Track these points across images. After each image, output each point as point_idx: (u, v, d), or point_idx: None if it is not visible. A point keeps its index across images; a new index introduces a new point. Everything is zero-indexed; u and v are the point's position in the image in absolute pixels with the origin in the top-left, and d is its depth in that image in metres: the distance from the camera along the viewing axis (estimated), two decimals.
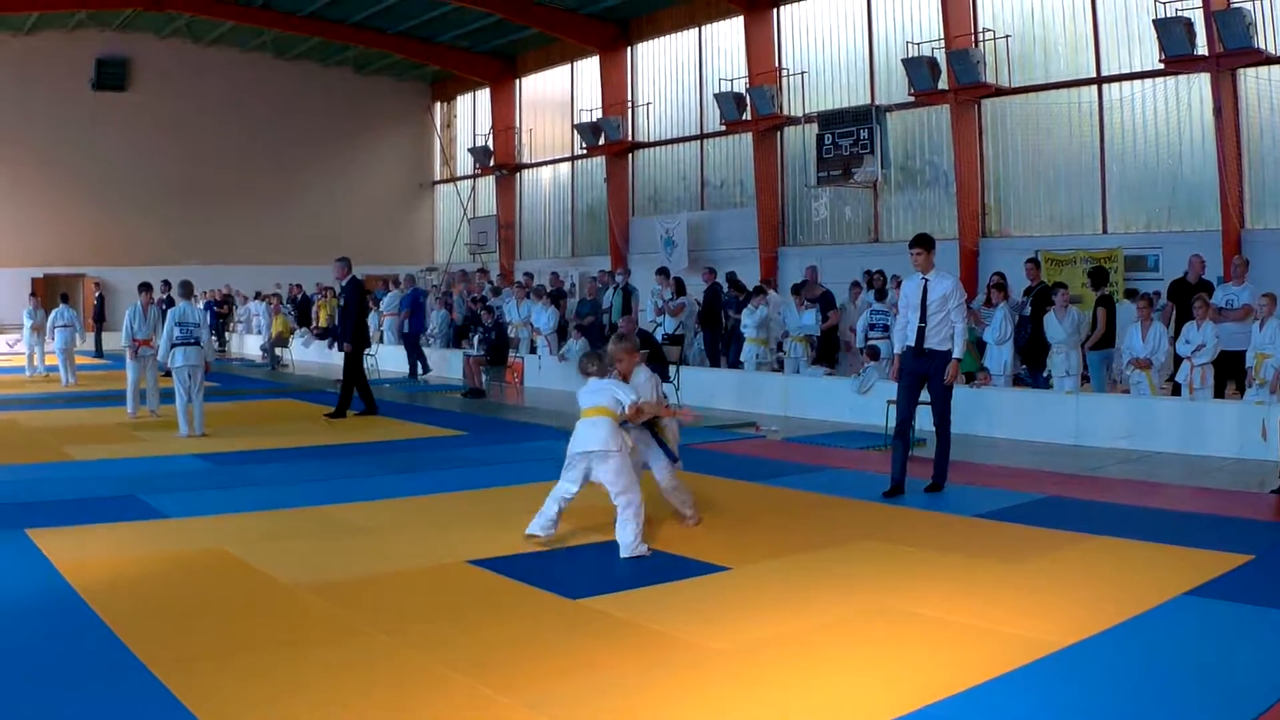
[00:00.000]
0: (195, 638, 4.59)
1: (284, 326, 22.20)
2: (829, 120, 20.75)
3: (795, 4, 22.22)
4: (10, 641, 4.52)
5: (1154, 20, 15.86)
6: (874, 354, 12.51)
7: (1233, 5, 15.20)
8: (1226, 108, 15.72)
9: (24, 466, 8.97)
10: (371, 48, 29.72)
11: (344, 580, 5.54)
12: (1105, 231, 17.64)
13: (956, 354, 7.61)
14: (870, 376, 11.97)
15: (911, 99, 19.54)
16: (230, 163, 30.86)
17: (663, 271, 16.86)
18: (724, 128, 23.14)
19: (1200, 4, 15.48)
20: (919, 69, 18.80)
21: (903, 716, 3.72)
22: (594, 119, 26.17)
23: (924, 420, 8.36)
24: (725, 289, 16.64)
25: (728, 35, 23.80)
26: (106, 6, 27.08)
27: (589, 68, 27.38)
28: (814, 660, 4.34)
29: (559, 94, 29.07)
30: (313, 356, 22.24)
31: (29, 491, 7.82)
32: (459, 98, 33.61)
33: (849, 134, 20.31)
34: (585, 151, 27.12)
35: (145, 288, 13.44)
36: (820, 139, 20.84)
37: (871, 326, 13.40)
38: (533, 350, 17.43)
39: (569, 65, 28.42)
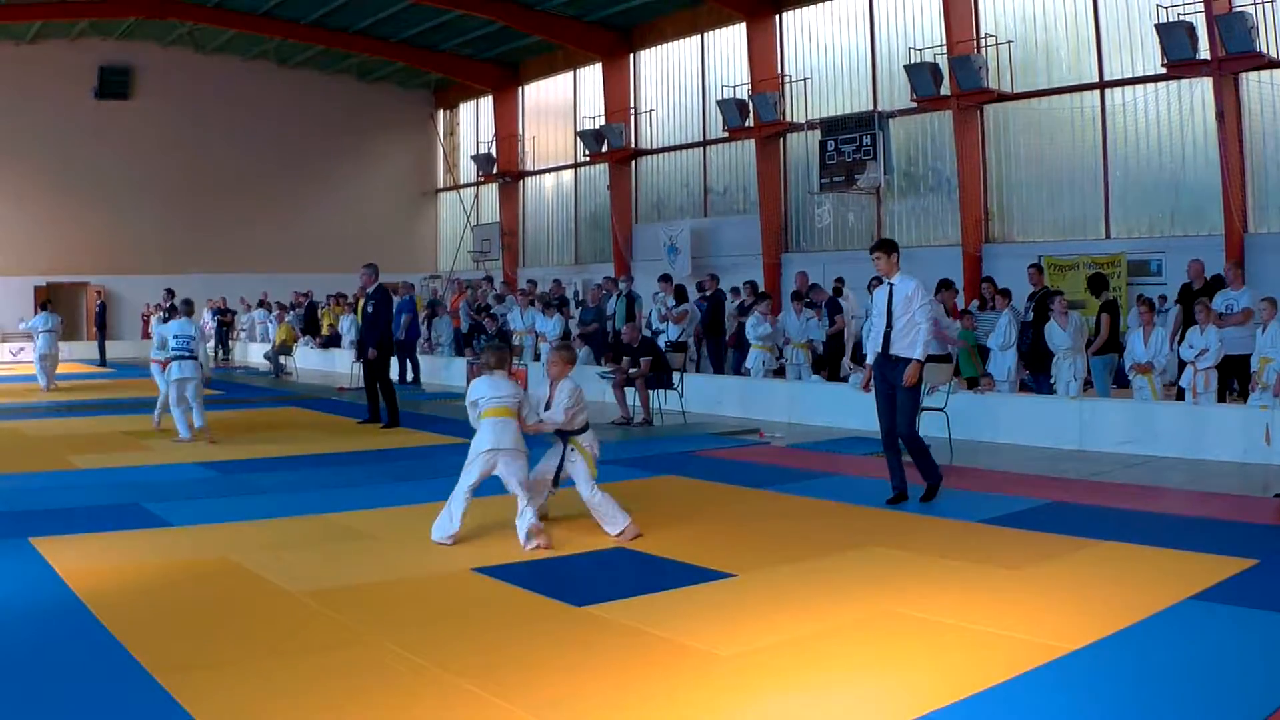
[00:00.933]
0: (199, 644, 4.59)
1: (289, 334, 22.21)
2: (832, 126, 20.79)
3: (797, 10, 22.27)
4: (14, 648, 4.52)
5: (1156, 24, 15.88)
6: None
7: (1234, 9, 15.22)
8: (1229, 111, 15.72)
9: (28, 475, 8.98)
10: (374, 55, 29.82)
11: (348, 587, 5.54)
12: (1108, 236, 17.64)
13: (918, 355, 7.56)
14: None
15: (914, 105, 19.58)
16: (233, 170, 30.95)
17: (666, 278, 16.87)
18: (727, 134, 23.17)
19: (1202, 8, 15.49)
20: (921, 75, 18.82)
21: None
22: (597, 126, 26.21)
23: (924, 424, 8.33)
24: (727, 296, 16.62)
25: (730, 42, 23.85)
26: (109, 15, 27.19)
27: (592, 75, 27.43)
28: (820, 666, 4.34)
29: (562, 101, 29.11)
30: (316, 364, 22.26)
31: (33, 500, 7.82)
32: (462, 105, 33.66)
33: (852, 140, 20.34)
34: (588, 158, 27.17)
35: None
36: (823, 145, 20.88)
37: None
38: (536, 358, 17.41)
39: (572, 72, 28.48)
